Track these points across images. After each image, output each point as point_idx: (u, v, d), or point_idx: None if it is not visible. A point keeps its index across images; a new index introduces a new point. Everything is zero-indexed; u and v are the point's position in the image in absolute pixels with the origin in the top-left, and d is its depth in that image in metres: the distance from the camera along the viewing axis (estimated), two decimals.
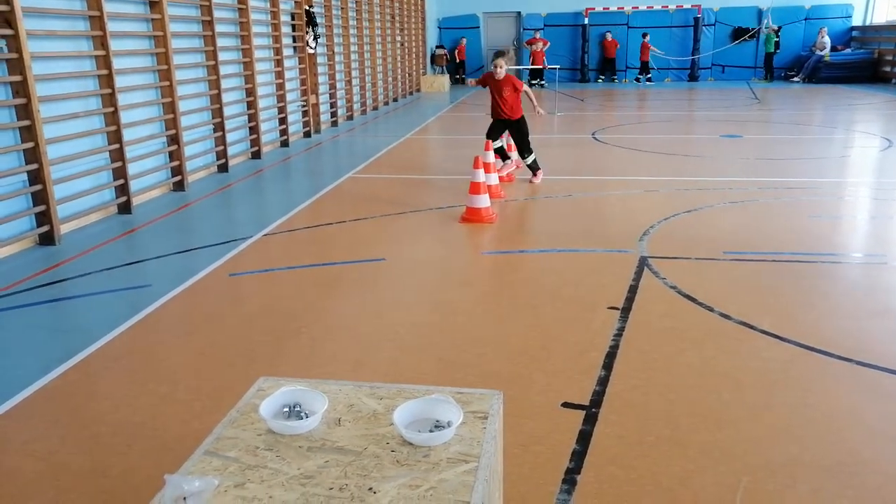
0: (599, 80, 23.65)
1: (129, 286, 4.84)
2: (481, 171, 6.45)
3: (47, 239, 5.82)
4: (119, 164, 6.82)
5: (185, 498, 1.58)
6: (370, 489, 1.62)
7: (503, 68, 7.33)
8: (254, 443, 1.82)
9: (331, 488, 1.63)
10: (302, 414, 1.91)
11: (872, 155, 9.81)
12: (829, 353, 3.58)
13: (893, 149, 10.14)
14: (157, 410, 3.21)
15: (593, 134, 12.33)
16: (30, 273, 5.13)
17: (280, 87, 11.09)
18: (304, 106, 12.25)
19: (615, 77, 23.38)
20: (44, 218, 5.81)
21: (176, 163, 7.90)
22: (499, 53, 7.37)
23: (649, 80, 22.77)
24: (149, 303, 4.46)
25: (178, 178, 7.94)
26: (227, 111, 9.12)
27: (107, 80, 6.69)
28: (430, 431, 1.82)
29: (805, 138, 11.75)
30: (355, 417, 1.93)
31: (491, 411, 1.96)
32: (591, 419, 3.02)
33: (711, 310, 4.19)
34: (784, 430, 2.92)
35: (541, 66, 21.05)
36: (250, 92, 9.90)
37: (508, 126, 7.64)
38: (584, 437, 2.87)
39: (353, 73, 15.52)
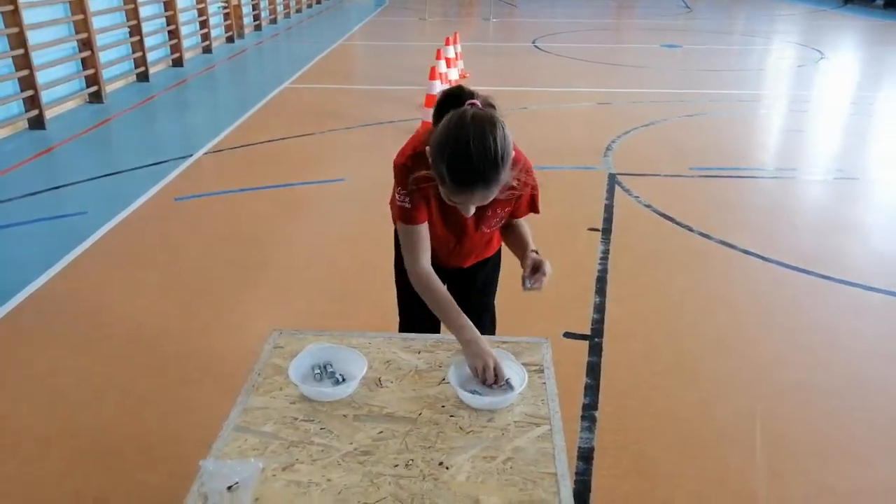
0: None
1: (61, 214, 4.32)
2: (438, 82, 6.09)
3: None
4: (26, 72, 6.01)
5: (229, 487, 1.35)
6: (440, 464, 1.43)
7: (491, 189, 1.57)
8: (289, 413, 1.58)
9: (396, 465, 1.43)
10: (337, 375, 1.68)
11: (809, 67, 9.96)
12: (813, 271, 3.61)
13: (827, 60, 10.34)
14: (121, 356, 2.88)
15: (534, 42, 11.96)
16: None
17: None
18: (225, 7, 11.22)
19: None
20: None
21: (91, 71, 7.07)
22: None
23: None
24: (88, 233, 3.99)
25: (94, 88, 7.13)
26: (142, 12, 8.19)
27: None
28: (494, 390, 1.63)
29: (742, 49, 11.82)
30: (397, 376, 1.71)
31: (545, 363, 1.79)
32: (596, 349, 2.92)
33: (691, 230, 4.14)
34: (787, 356, 2.92)
35: None
36: None
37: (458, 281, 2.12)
38: (594, 370, 2.78)
39: None
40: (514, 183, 1.62)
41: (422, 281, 1.77)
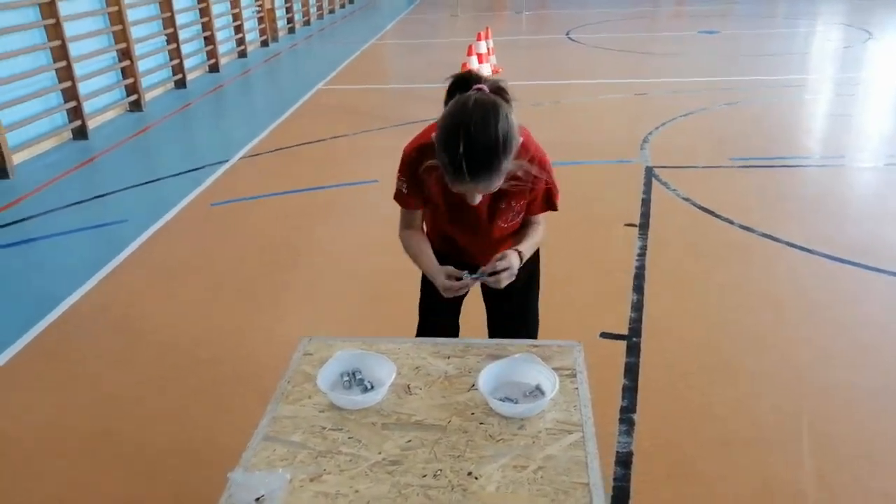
0: None
1: (103, 222, 4.42)
2: None
3: None
4: (68, 83, 6.18)
5: (257, 499, 1.35)
6: (469, 474, 1.41)
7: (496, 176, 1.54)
8: (318, 422, 1.58)
9: (424, 475, 1.41)
10: (365, 383, 1.67)
11: (857, 48, 9.60)
12: (863, 264, 3.47)
13: (875, 40, 9.96)
14: (159, 363, 2.93)
15: (567, 34, 11.81)
16: None
17: None
18: (259, 12, 11.36)
19: None
20: None
21: (130, 80, 7.23)
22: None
23: None
24: (129, 240, 4.08)
25: (133, 96, 7.29)
26: (179, 20, 8.34)
27: None
28: (525, 396, 1.60)
29: (784, 32, 11.46)
30: (426, 383, 1.69)
31: (577, 367, 1.75)
32: (633, 350, 2.86)
33: (731, 223, 4.02)
34: (834, 353, 2.81)
35: None
36: None
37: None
38: (632, 371, 2.72)
39: None
40: (520, 173, 1.58)
41: (404, 237, 1.89)
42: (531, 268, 2.05)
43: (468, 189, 1.57)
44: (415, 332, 2.15)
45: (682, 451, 2.30)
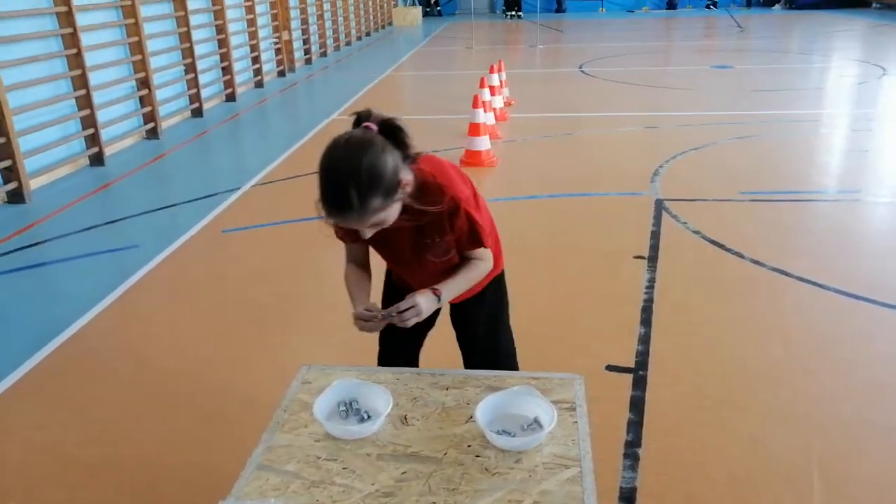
0: (508, 16, 23.09)
1: (115, 247, 4.46)
2: (480, 110, 6.09)
3: (16, 197, 5.37)
4: (87, 111, 6.30)
5: None
6: None
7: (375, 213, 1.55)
8: (313, 451, 1.56)
9: None
10: (362, 413, 1.65)
11: (872, 83, 9.58)
12: (878, 300, 3.41)
13: (890, 76, 9.95)
14: (164, 387, 2.93)
15: (580, 67, 11.91)
16: (2, 236, 4.71)
17: (251, 23, 10.41)
18: (276, 43, 11.58)
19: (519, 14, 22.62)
20: (10, 174, 5.33)
21: (148, 108, 7.36)
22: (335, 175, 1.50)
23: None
24: (139, 265, 4.11)
25: (151, 124, 7.42)
26: (198, 50, 8.51)
27: (66, 17, 6.09)
28: (523, 429, 1.57)
29: (798, 67, 11.48)
30: (423, 414, 1.67)
31: (577, 400, 1.72)
32: (640, 383, 2.81)
33: (742, 256, 3.98)
34: (845, 389, 2.75)
35: None
36: (221, 29, 9.26)
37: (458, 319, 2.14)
38: (638, 405, 2.68)
39: (325, 7, 14.73)
40: (383, 215, 1.56)
41: (344, 271, 1.97)
42: (492, 307, 2.06)
43: (339, 223, 1.60)
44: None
45: (689, 488, 2.25)
